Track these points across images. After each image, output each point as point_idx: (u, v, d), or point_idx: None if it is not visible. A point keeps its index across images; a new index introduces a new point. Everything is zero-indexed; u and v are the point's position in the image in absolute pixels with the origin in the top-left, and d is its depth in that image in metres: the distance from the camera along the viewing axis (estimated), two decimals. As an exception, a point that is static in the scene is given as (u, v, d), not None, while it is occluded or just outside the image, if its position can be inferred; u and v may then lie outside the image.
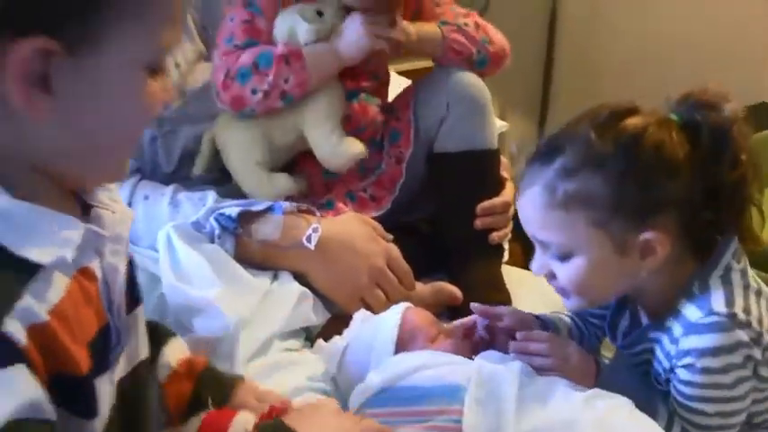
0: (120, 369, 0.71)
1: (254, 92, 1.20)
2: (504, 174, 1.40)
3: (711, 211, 0.94)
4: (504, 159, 1.43)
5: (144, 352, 0.77)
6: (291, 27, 1.22)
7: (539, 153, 0.96)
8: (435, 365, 0.96)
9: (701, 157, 0.92)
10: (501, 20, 2.73)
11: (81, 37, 0.57)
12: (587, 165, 0.91)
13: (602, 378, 1.02)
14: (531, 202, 0.95)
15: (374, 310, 1.14)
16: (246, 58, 1.20)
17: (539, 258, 1.00)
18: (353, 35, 1.22)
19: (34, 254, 0.58)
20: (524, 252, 2.79)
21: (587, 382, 0.98)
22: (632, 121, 0.92)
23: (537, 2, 2.84)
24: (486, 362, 0.96)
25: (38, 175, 0.62)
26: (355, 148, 1.26)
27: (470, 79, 1.33)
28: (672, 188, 0.91)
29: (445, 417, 0.89)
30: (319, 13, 1.24)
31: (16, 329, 0.55)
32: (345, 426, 0.80)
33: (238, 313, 1.06)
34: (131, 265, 0.75)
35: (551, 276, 0.99)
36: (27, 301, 0.57)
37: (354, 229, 1.19)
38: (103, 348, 0.66)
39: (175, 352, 0.86)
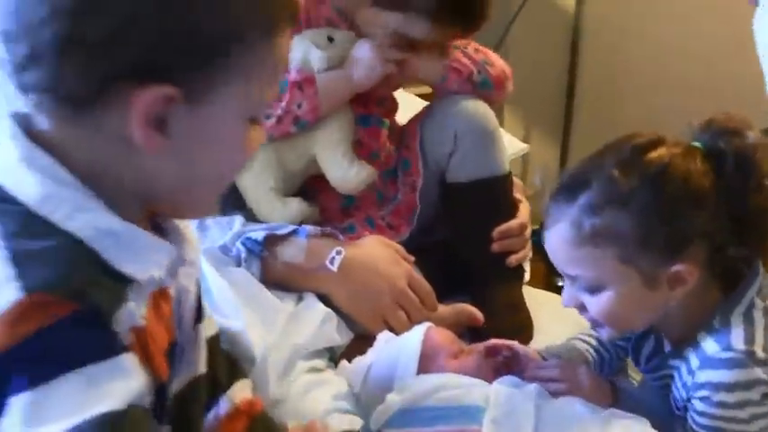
0: (179, 382, 0.76)
1: (267, 117, 1.23)
2: (518, 195, 1.42)
3: (737, 238, 0.94)
4: (517, 180, 1.44)
5: (201, 367, 0.81)
6: (305, 53, 1.26)
7: (562, 188, 0.97)
8: (454, 387, 0.98)
9: (726, 185, 0.92)
10: (523, 44, 2.78)
11: (199, 88, 0.64)
12: (613, 202, 0.91)
13: (623, 399, 1.04)
14: (557, 238, 0.96)
15: (396, 330, 1.16)
16: None
17: (568, 290, 1.01)
18: (365, 62, 1.25)
19: (132, 269, 0.64)
20: (547, 272, 2.81)
21: (604, 403, 1.00)
22: (656, 155, 0.92)
23: (559, 25, 2.86)
24: (504, 385, 0.98)
25: (138, 202, 0.69)
26: (365, 171, 1.29)
27: (475, 108, 1.34)
28: (699, 219, 0.91)
29: None
30: (330, 39, 1.28)
31: (123, 328, 0.61)
32: None
33: (265, 340, 1.07)
34: (198, 286, 0.81)
35: (581, 308, 1.00)
36: (130, 305, 0.63)
37: (377, 252, 1.22)
38: (171, 362, 0.71)
39: (241, 391, 0.90)
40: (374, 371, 1.06)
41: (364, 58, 1.26)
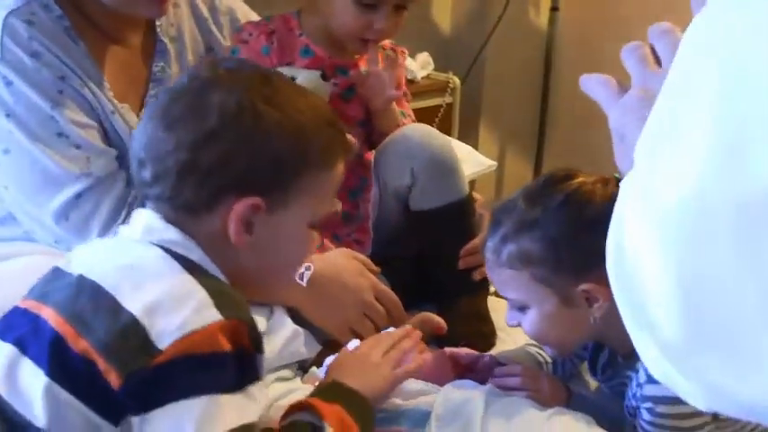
0: None
1: None
2: (481, 210, 1.48)
3: None
4: (478, 195, 1.51)
5: None
6: None
7: (490, 223, 1.09)
8: (408, 393, 1.04)
9: None
10: (497, 63, 2.85)
11: (278, 200, 0.85)
12: (522, 229, 1.02)
13: (578, 402, 1.09)
14: (487, 267, 1.08)
15: (364, 339, 1.22)
16: None
17: (508, 311, 1.10)
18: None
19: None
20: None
21: (559, 405, 1.06)
22: (563, 185, 1.02)
23: (533, 44, 2.92)
24: (455, 387, 1.04)
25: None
26: None
27: (429, 141, 1.41)
28: (600, 242, 0.97)
29: None
30: (291, 80, 1.34)
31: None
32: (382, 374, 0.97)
33: None
34: None
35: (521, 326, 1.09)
36: None
37: (343, 265, 1.27)
38: None
39: None
40: None
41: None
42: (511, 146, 3.07)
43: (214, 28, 1.47)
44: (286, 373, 1.19)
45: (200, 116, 0.82)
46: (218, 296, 0.77)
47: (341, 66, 1.43)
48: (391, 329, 1.14)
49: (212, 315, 0.75)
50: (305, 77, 1.35)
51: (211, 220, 0.83)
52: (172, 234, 0.83)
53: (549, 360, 1.23)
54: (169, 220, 0.84)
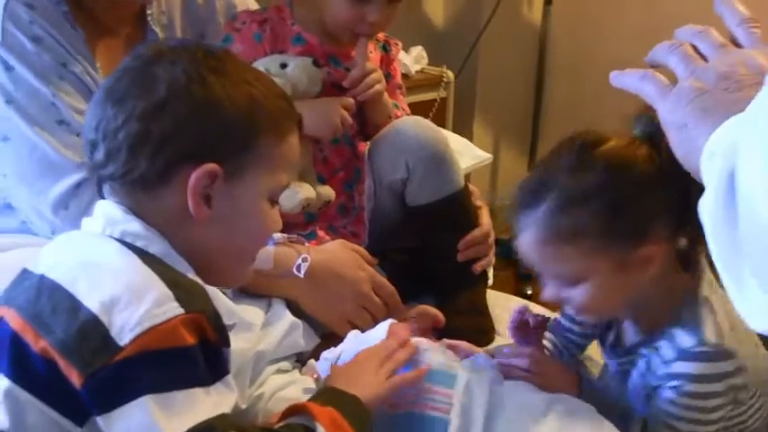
0: None
1: None
2: (477, 201, 1.47)
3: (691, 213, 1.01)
4: (473, 188, 1.49)
5: None
6: None
7: (525, 196, 1.03)
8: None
9: (667, 164, 0.95)
10: (491, 56, 2.85)
11: (234, 169, 0.83)
12: (573, 201, 0.98)
13: (586, 388, 1.09)
14: (529, 243, 1.02)
15: (362, 330, 1.21)
16: None
17: (548, 288, 1.06)
18: (323, 114, 1.34)
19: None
20: (516, 279, 2.86)
21: (571, 392, 1.06)
22: (602, 150, 1.00)
23: (526, 38, 2.92)
24: (465, 370, 1.05)
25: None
26: (300, 195, 1.34)
27: (423, 133, 1.39)
28: (652, 201, 0.97)
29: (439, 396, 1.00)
30: (283, 66, 1.33)
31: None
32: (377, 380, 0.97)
33: (242, 352, 1.11)
34: None
35: (564, 302, 1.07)
36: None
37: (341, 257, 1.26)
38: None
39: None
40: (342, 360, 1.11)
41: (322, 112, 1.34)
42: (505, 139, 3.07)
43: (208, 14, 1.46)
44: (285, 365, 1.19)
45: (147, 88, 0.81)
46: (179, 289, 0.76)
47: (333, 54, 1.42)
48: (390, 321, 1.14)
49: (173, 309, 0.74)
50: (297, 63, 1.35)
51: (169, 194, 0.82)
52: (133, 226, 0.81)
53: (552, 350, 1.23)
54: (128, 207, 0.83)
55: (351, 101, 1.38)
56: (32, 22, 1.19)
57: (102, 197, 0.87)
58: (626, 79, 0.76)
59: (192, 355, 0.74)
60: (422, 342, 1.07)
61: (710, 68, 0.67)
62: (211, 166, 0.81)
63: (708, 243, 0.56)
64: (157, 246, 0.81)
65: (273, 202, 0.90)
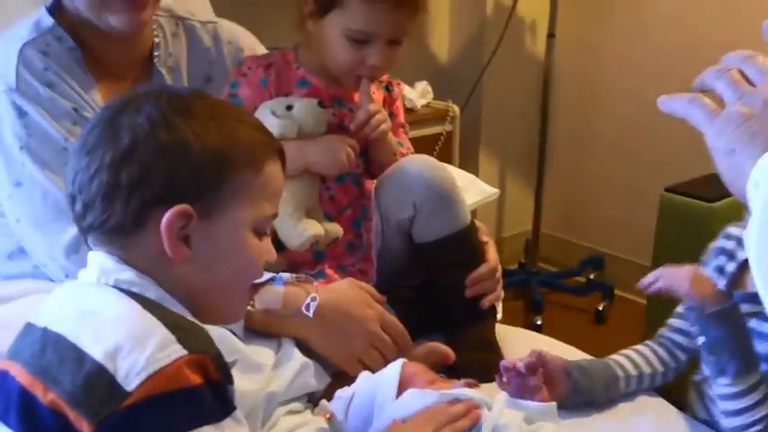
0: None
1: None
2: (484, 237, 1.48)
3: None
4: (480, 224, 1.50)
5: None
6: (263, 122, 1.33)
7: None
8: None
9: None
10: (495, 91, 2.87)
11: (208, 207, 0.83)
12: None
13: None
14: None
15: (372, 370, 1.21)
16: None
17: None
18: (328, 150, 1.36)
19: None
20: (526, 311, 2.86)
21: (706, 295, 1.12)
22: None
23: (530, 72, 2.94)
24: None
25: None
26: (310, 231, 1.35)
27: (430, 173, 1.40)
28: None
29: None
30: (289, 108, 1.36)
31: None
32: None
33: (253, 393, 1.12)
34: None
35: None
36: None
37: (349, 295, 1.27)
38: None
39: None
40: (356, 399, 1.12)
41: (328, 149, 1.36)
42: (511, 172, 3.08)
43: (216, 58, 1.49)
44: (296, 405, 1.19)
45: (112, 138, 0.82)
46: (180, 331, 0.77)
47: (338, 96, 1.44)
48: (402, 361, 1.15)
49: (176, 350, 0.75)
50: (302, 105, 1.37)
51: (147, 239, 0.82)
52: (126, 274, 0.82)
53: (629, 372, 1.27)
54: (118, 256, 0.84)
55: (354, 142, 1.39)
56: (47, 68, 1.21)
57: (89, 248, 0.87)
58: (674, 104, 0.75)
59: (199, 395, 0.75)
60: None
61: (758, 93, 0.68)
62: (182, 207, 0.81)
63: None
64: (152, 291, 0.82)
65: (261, 233, 0.89)
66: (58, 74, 1.22)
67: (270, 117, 1.33)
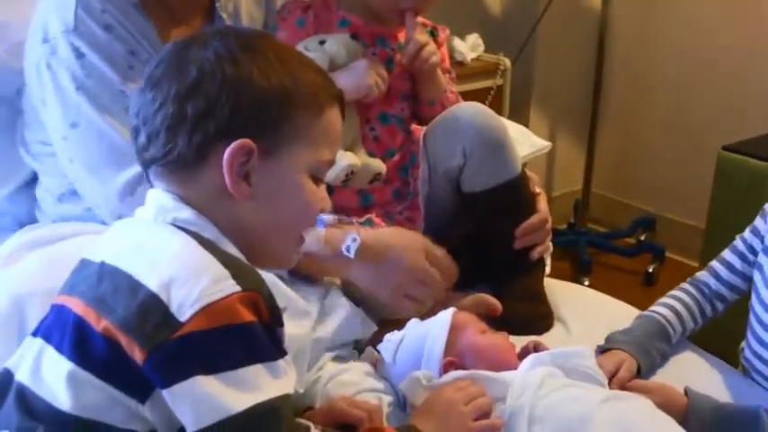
0: None
1: None
2: (536, 188, 1.44)
3: None
4: (532, 174, 1.47)
5: None
6: None
7: None
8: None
9: None
10: (550, 43, 2.80)
11: (269, 145, 0.84)
12: None
13: None
14: None
15: (420, 299, 1.21)
16: None
17: None
18: (355, 74, 1.32)
19: None
20: (573, 271, 2.83)
21: None
22: None
23: (586, 23, 2.87)
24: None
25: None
26: (347, 159, 1.32)
27: (481, 119, 1.37)
28: None
29: None
30: (321, 42, 1.34)
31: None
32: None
33: (299, 338, 1.11)
34: None
35: None
36: None
37: (393, 233, 1.26)
38: None
39: None
40: (405, 343, 1.12)
41: (356, 70, 1.33)
42: (562, 130, 3.02)
43: (270, 4, 1.47)
44: (342, 352, 1.19)
45: (179, 72, 0.83)
46: (234, 268, 0.77)
47: (380, 35, 1.41)
48: (453, 309, 1.14)
49: (230, 286, 0.75)
50: (334, 38, 1.34)
51: (208, 173, 0.83)
52: (184, 213, 0.83)
53: (677, 330, 1.28)
54: (177, 195, 0.84)
55: (384, 71, 1.36)
56: (104, 11, 1.21)
57: (150, 183, 0.88)
58: None
59: (252, 332, 0.76)
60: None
61: None
62: (244, 141, 0.82)
63: None
64: (209, 231, 0.83)
65: (318, 179, 0.90)
66: (116, 17, 1.21)
67: (303, 52, 1.31)
